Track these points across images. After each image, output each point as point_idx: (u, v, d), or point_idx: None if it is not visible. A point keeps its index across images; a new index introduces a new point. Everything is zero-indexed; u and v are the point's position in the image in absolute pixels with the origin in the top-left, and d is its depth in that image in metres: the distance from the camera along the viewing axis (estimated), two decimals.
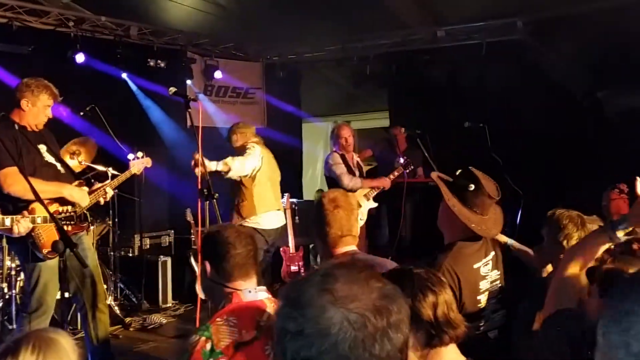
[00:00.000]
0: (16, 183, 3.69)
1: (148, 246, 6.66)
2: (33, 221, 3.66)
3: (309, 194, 8.80)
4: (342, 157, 6.25)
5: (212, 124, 7.51)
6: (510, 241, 3.64)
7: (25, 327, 3.96)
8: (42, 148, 4.10)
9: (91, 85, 6.72)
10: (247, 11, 7.15)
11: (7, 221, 3.57)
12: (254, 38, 8.07)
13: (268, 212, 5.48)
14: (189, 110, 3.90)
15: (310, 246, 7.22)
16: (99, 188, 4.30)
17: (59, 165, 4.15)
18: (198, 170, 4.70)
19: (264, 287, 2.32)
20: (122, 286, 6.14)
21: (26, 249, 3.88)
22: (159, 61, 7.24)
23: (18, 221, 3.58)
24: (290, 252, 6.80)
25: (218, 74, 7.93)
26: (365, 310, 1.02)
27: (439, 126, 6.67)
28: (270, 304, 2.22)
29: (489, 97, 6.72)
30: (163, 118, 7.59)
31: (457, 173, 2.82)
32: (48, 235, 3.80)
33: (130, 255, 6.55)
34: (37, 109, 4.05)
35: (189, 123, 7.11)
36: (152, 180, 6.41)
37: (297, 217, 7.07)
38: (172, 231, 7.06)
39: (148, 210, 6.68)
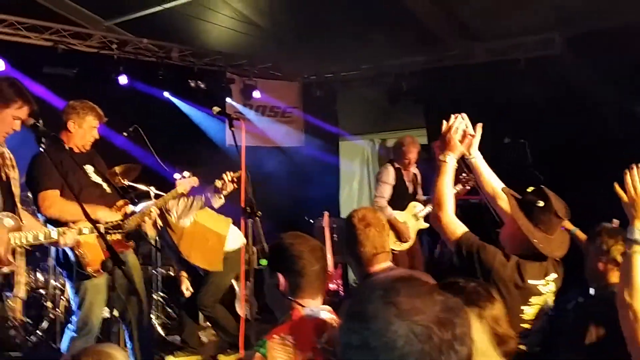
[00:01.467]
0: (53, 206, 3.81)
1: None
2: (80, 232, 3.72)
3: (346, 212, 8.78)
4: (398, 171, 6.24)
5: (252, 143, 7.60)
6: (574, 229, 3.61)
7: (71, 345, 4.04)
8: (89, 169, 4.20)
9: (134, 106, 6.89)
10: (284, 31, 7.26)
11: (54, 233, 3.63)
12: (291, 58, 8.16)
13: None
14: (233, 128, 3.95)
15: None
16: (143, 208, 4.38)
17: (105, 185, 4.23)
18: (228, 187, 4.81)
19: (328, 307, 2.24)
20: (164, 304, 6.21)
21: (71, 267, 3.97)
22: (199, 82, 7.40)
23: (64, 233, 3.66)
24: (329, 270, 6.80)
25: (256, 94, 8.05)
26: (429, 322, 1.02)
27: (480, 146, 6.60)
28: (331, 324, 2.15)
29: (528, 113, 6.65)
30: (203, 137, 7.72)
31: (528, 190, 2.76)
32: (93, 253, 3.88)
33: (172, 274, 6.63)
34: (84, 130, 4.16)
35: (228, 142, 7.30)
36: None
37: (335, 235, 7.09)
38: None
39: None
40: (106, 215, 3.88)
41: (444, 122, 2.85)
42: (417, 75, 7.76)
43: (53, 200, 3.84)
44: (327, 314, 2.21)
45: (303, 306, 2.18)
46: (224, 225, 5.32)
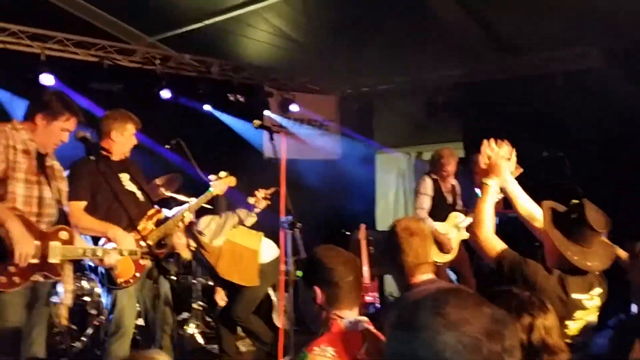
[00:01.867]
0: (72, 216, 3.85)
1: None
2: (120, 253, 3.87)
3: (382, 225, 8.81)
4: (435, 182, 6.26)
5: (289, 156, 7.69)
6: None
7: (107, 350, 4.16)
8: (124, 177, 4.33)
9: (176, 120, 7.06)
10: (321, 46, 7.36)
11: (99, 252, 3.80)
12: (328, 72, 8.26)
13: None
14: (273, 141, 4.03)
15: None
16: (176, 213, 4.49)
17: (138, 194, 4.34)
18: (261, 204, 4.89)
19: (365, 318, 2.28)
20: (203, 314, 6.31)
21: (102, 274, 4.12)
22: (238, 96, 7.54)
23: (108, 253, 3.80)
24: (365, 282, 6.82)
25: (294, 107, 8.16)
26: (478, 333, 1.03)
27: (517, 159, 6.58)
28: (370, 335, 2.18)
29: (566, 126, 6.59)
30: (243, 149, 7.85)
31: (571, 203, 2.77)
32: (123, 266, 4.02)
33: (211, 283, 6.74)
34: (125, 138, 4.32)
35: (267, 154, 7.41)
36: (233, 210, 6.60)
37: (371, 248, 7.10)
38: None
39: None
40: (117, 234, 3.94)
41: (485, 145, 2.92)
42: (454, 89, 7.77)
43: (73, 212, 3.93)
44: (365, 325, 2.24)
45: (342, 317, 2.21)
46: (256, 240, 5.40)
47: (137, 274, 4.19)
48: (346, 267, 2.26)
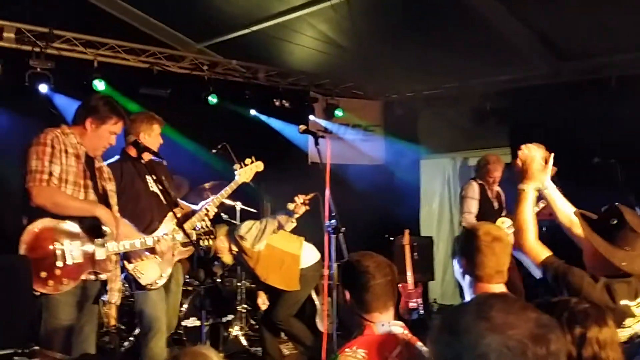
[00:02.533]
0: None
1: None
2: (173, 239, 4.00)
3: (426, 230, 8.74)
4: (481, 187, 6.25)
5: (334, 161, 7.71)
6: None
7: (142, 349, 4.28)
8: (150, 179, 4.39)
9: (222, 125, 7.17)
10: (366, 51, 7.35)
11: (149, 241, 3.90)
12: (373, 77, 8.25)
13: None
14: (318, 146, 4.05)
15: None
16: (202, 207, 4.54)
17: (161, 196, 4.35)
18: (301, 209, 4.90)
19: (400, 322, 2.28)
20: (247, 317, 6.37)
21: (131, 278, 4.22)
22: (284, 101, 7.61)
23: (159, 240, 3.91)
24: (409, 288, 6.78)
25: (339, 112, 8.18)
26: (523, 337, 1.03)
27: (564, 163, 6.42)
28: (404, 339, 2.18)
29: (618, 132, 6.41)
30: (289, 153, 7.91)
31: (602, 210, 2.71)
32: (146, 269, 4.12)
33: (254, 286, 6.80)
34: (152, 138, 4.42)
35: (312, 159, 7.45)
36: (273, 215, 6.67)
37: (415, 254, 7.06)
38: None
39: None
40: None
41: (521, 149, 2.86)
42: (502, 95, 7.65)
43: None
44: (399, 328, 2.24)
45: (372, 321, 2.22)
46: (297, 245, 5.42)
47: (164, 275, 4.27)
48: (377, 271, 2.26)
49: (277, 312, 5.24)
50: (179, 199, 4.66)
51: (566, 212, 2.88)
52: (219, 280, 6.00)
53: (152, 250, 4.05)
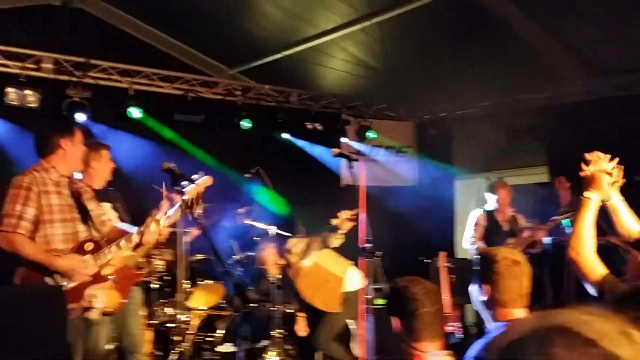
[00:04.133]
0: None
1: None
2: (157, 223, 3.77)
3: (462, 252, 8.58)
4: (490, 214, 6.48)
5: (367, 183, 7.68)
6: None
7: None
8: (107, 206, 4.43)
9: (255, 149, 7.21)
10: (398, 72, 7.34)
11: (135, 237, 3.76)
12: (405, 98, 8.23)
13: None
14: (352, 169, 4.03)
15: None
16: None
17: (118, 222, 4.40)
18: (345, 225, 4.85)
19: (448, 351, 2.21)
20: (283, 341, 6.31)
21: None
22: (316, 124, 7.62)
23: (144, 233, 3.75)
24: (446, 311, 6.64)
25: (371, 134, 8.15)
26: None
27: None
28: None
29: None
30: (320, 177, 7.90)
31: None
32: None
33: (291, 311, 6.75)
34: (102, 163, 4.53)
35: (345, 181, 7.41)
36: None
37: (452, 276, 6.93)
38: None
39: None
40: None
41: (587, 157, 2.83)
42: (537, 112, 7.53)
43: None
44: (448, 358, 2.17)
45: (422, 351, 2.15)
46: (343, 268, 5.40)
47: (124, 300, 4.12)
48: (427, 298, 2.21)
49: (317, 335, 5.22)
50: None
51: (627, 224, 2.81)
52: (253, 305, 5.98)
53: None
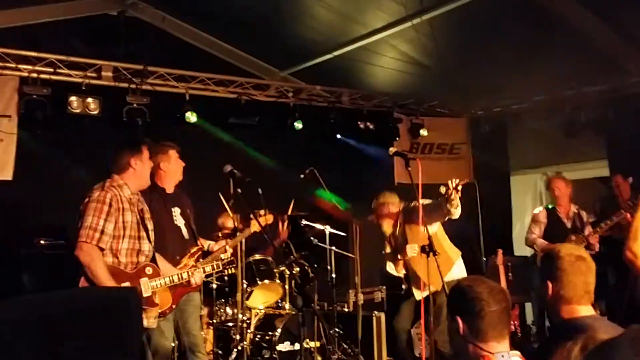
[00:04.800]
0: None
1: (362, 302, 6.83)
2: (204, 271, 4.34)
3: (519, 249, 8.42)
4: (552, 211, 6.34)
5: (417, 181, 7.63)
6: None
7: None
8: (176, 211, 4.54)
9: (309, 149, 7.27)
10: (449, 68, 7.26)
11: (185, 275, 4.19)
12: (458, 94, 8.13)
13: None
14: (409, 168, 4.02)
15: None
16: (220, 248, 4.67)
17: (184, 230, 4.55)
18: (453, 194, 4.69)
19: (518, 352, 2.16)
20: (340, 340, 6.35)
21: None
22: (368, 123, 7.61)
23: (192, 274, 4.21)
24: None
25: (424, 132, 8.09)
26: None
27: None
28: None
29: None
30: (373, 176, 7.89)
31: None
32: (162, 299, 4.15)
33: (347, 310, 6.78)
34: (172, 164, 4.56)
35: (398, 180, 7.38)
36: (365, 237, 6.65)
37: (510, 274, 6.83)
38: (384, 287, 7.19)
39: (362, 266, 6.88)
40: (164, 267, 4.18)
41: None
42: (597, 105, 7.33)
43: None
44: (517, 358, 2.13)
45: (490, 352, 2.10)
46: (455, 253, 5.44)
47: (174, 305, 4.32)
48: (492, 297, 2.14)
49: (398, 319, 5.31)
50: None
51: None
52: (314, 304, 6.04)
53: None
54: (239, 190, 3.83)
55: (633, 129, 7.08)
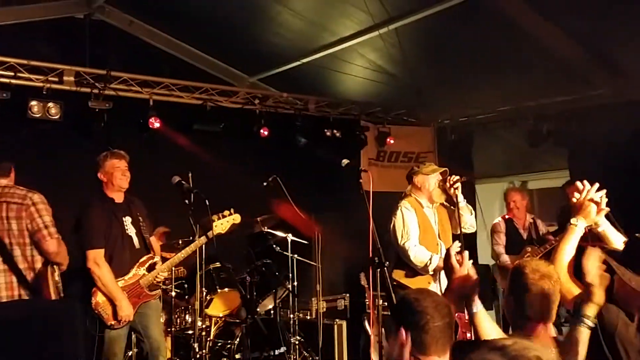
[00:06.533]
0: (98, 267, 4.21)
1: (324, 309, 6.84)
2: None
3: (484, 258, 8.49)
4: (509, 222, 6.50)
5: (384, 189, 7.65)
6: None
7: None
8: (127, 220, 4.51)
9: (273, 157, 7.26)
10: (417, 78, 7.31)
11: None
12: (424, 103, 8.19)
13: None
14: (360, 180, 4.04)
15: None
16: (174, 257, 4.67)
17: (135, 240, 4.53)
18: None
19: None
20: (300, 348, 6.35)
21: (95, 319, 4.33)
22: (335, 131, 7.62)
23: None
24: (466, 319, 6.59)
25: (390, 141, 8.13)
26: None
27: (626, 187, 6.16)
28: None
29: None
30: (339, 184, 7.88)
31: (625, 244, 2.70)
32: (110, 310, 4.28)
33: (309, 318, 6.78)
34: (118, 172, 4.50)
35: (363, 188, 7.39)
36: (328, 245, 6.66)
37: None
38: (348, 295, 7.21)
39: (325, 274, 6.89)
40: (123, 304, 4.35)
41: (577, 184, 2.95)
42: (560, 116, 7.43)
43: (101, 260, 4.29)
44: None
45: None
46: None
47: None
48: (437, 312, 2.16)
49: None
50: (152, 240, 4.76)
51: (618, 245, 2.87)
52: (273, 311, 6.02)
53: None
54: (187, 202, 3.81)
55: (595, 139, 7.19)
